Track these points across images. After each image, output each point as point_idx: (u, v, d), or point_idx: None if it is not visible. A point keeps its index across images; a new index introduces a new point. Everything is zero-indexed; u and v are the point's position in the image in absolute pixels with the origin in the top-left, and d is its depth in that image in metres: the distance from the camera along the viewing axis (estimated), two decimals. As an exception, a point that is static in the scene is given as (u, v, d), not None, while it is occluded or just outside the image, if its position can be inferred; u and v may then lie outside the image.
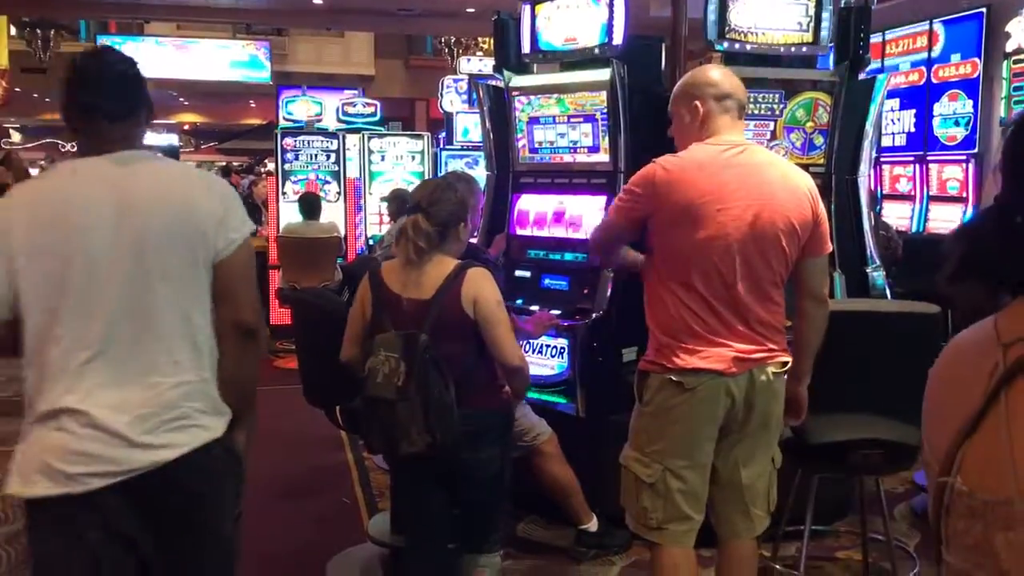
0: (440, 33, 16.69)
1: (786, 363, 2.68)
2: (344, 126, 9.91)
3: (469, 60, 14.53)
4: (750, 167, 2.58)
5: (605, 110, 3.82)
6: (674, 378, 2.57)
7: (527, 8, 4.11)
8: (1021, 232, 0.98)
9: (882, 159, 8.75)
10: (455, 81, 13.50)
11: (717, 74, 2.71)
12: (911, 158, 8.56)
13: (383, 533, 3.71)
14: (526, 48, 4.17)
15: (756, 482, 2.71)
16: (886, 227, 7.26)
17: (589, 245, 2.76)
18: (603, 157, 3.88)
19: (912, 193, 8.40)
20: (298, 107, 10.68)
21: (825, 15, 3.84)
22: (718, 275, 2.54)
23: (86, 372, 1.88)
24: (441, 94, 13.36)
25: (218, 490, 2.02)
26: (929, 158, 8.30)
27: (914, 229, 8.19)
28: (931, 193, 8.17)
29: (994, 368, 0.97)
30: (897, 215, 8.36)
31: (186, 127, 25.67)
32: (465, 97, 12.35)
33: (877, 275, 4.08)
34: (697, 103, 2.64)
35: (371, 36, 22.00)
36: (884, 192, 8.68)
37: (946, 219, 7.84)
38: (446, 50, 16.48)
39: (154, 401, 1.90)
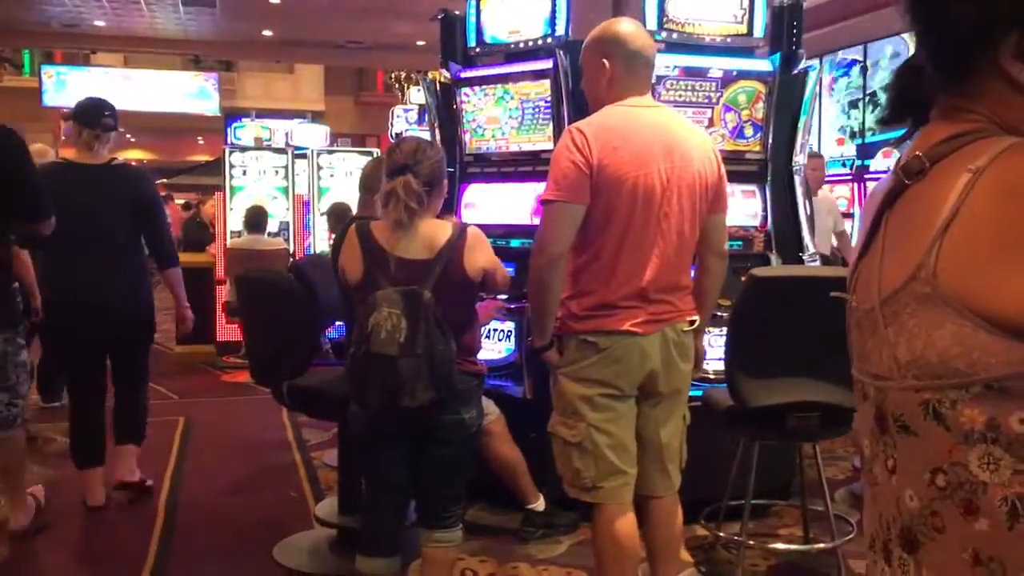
0: (390, 66, 16.84)
1: (694, 321, 2.72)
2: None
3: (419, 90, 14.63)
4: (665, 129, 2.60)
5: (549, 99, 3.91)
6: (589, 339, 2.59)
7: (472, 2, 4.20)
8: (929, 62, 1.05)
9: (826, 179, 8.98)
10: (405, 111, 13.60)
11: (627, 29, 2.64)
12: (848, 177, 8.81)
13: (331, 515, 3.70)
14: (472, 42, 4.26)
15: (672, 440, 2.74)
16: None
17: (533, 252, 2.60)
18: (548, 145, 3.95)
19: (851, 211, 8.62)
20: (247, 132, 10.59)
21: (758, 10, 4.00)
22: (644, 241, 2.56)
23: None
24: (392, 123, 13.45)
25: None
26: (867, 176, 8.54)
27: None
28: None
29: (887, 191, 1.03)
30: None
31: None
32: (416, 122, 12.44)
33: (814, 264, 4.20)
34: (606, 61, 2.61)
35: (321, 72, 22.07)
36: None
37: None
38: (396, 85, 16.62)
39: None
